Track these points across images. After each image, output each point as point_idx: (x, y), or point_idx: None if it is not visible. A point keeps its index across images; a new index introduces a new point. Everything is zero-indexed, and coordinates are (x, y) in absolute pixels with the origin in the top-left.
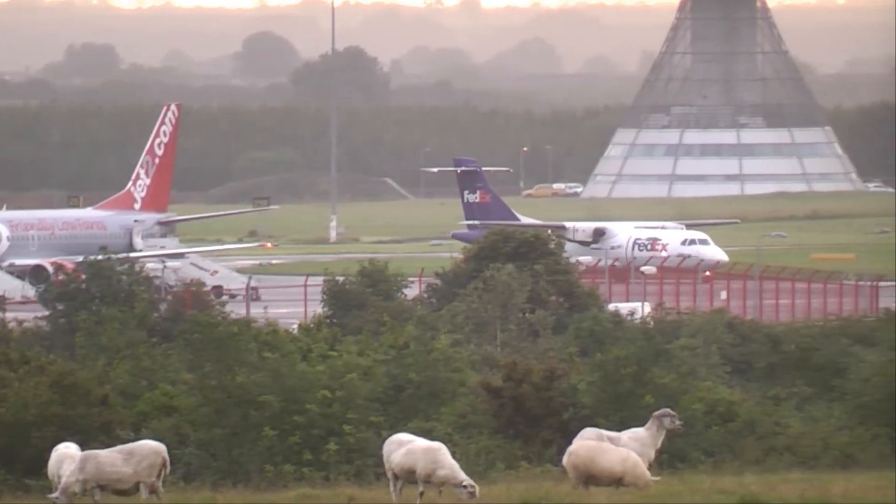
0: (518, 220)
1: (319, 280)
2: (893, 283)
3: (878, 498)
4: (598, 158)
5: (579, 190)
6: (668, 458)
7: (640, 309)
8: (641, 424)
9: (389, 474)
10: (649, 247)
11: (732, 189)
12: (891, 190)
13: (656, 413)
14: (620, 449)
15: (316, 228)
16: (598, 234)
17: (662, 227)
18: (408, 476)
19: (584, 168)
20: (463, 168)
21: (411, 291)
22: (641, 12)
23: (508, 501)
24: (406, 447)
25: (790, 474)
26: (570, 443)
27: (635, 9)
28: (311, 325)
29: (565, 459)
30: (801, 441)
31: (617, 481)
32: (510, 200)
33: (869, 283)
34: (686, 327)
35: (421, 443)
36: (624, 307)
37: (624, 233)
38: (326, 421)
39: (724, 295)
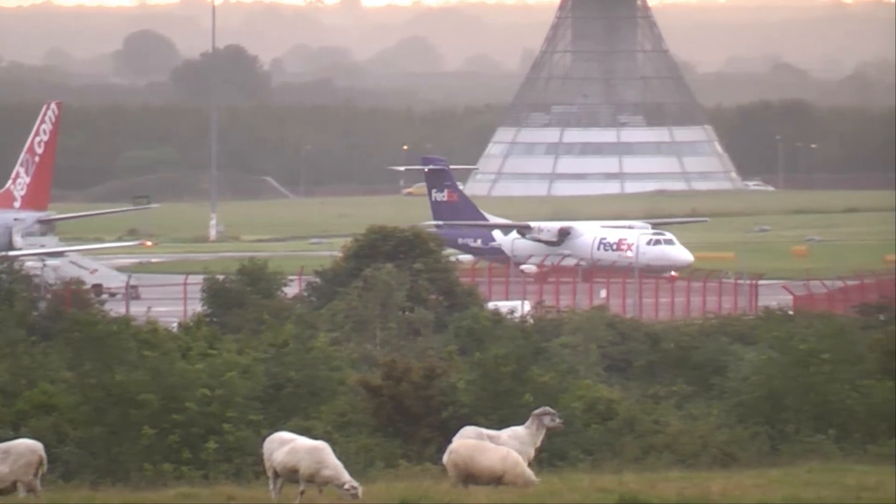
0: (486, 219)
1: (199, 278)
2: (773, 282)
3: (757, 496)
4: (479, 157)
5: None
6: (547, 457)
7: (519, 307)
8: (521, 423)
9: (270, 473)
10: (615, 247)
11: (612, 188)
12: (770, 188)
13: (536, 411)
14: (501, 448)
15: (196, 227)
16: (564, 234)
17: (629, 227)
18: (290, 475)
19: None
20: (431, 167)
21: (291, 290)
22: (522, 11)
23: (388, 500)
24: (289, 446)
25: (669, 473)
26: (449, 441)
27: (516, 7)
28: (191, 324)
29: (446, 458)
30: (680, 439)
31: (497, 480)
32: (389, 199)
33: (748, 282)
34: (566, 325)
35: (304, 442)
36: (503, 305)
37: (590, 233)
38: (206, 419)
39: (603, 293)
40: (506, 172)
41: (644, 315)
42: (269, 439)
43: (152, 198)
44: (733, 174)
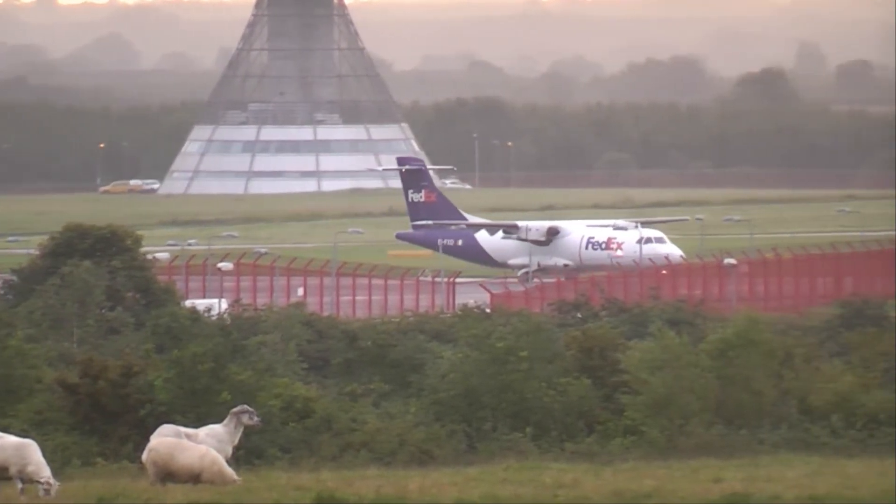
0: (465, 219)
1: None
2: (470, 280)
3: (454, 494)
4: (176, 155)
5: (156, 186)
6: (244, 455)
7: (217, 305)
8: (219, 420)
9: None
10: (604, 246)
11: (309, 185)
12: (467, 186)
13: (234, 409)
14: (200, 446)
15: None
16: (552, 234)
17: (614, 226)
18: (1, 473)
19: (161, 164)
20: (408, 167)
21: None
22: (218, 8)
23: (85, 499)
24: None
25: (367, 471)
26: (147, 439)
27: (212, 5)
28: None
29: (145, 456)
30: (377, 437)
31: (195, 478)
32: (85, 197)
33: (446, 280)
34: (263, 323)
35: (11, 439)
36: (201, 303)
37: (577, 232)
38: None
39: (301, 291)
40: (203, 170)
41: (341, 313)
42: None
43: None
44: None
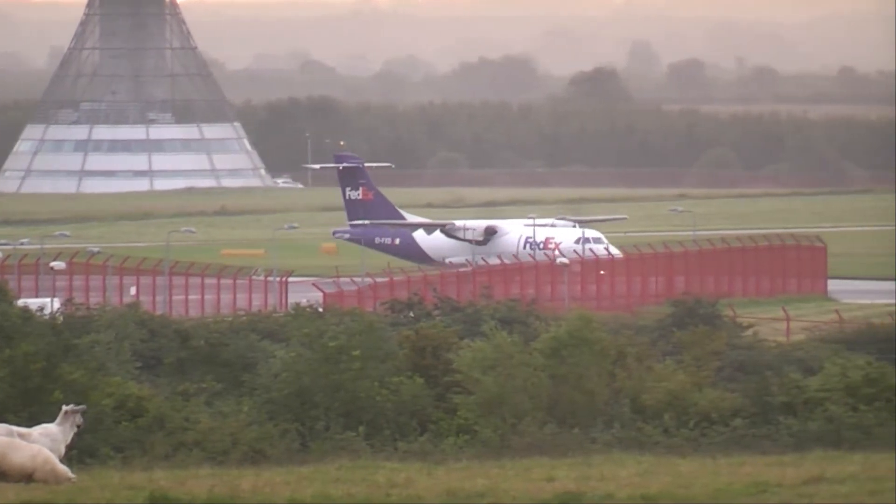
0: (403, 217)
1: None
2: (303, 279)
3: (287, 494)
4: (7, 154)
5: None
6: (77, 454)
7: (49, 304)
8: (52, 420)
9: None
10: (542, 246)
11: (142, 185)
12: (299, 185)
13: (66, 408)
14: (32, 445)
15: None
16: (490, 233)
17: (552, 226)
18: None
19: None
20: (345, 164)
21: None
22: (51, 7)
23: None
24: None
25: (200, 469)
26: None
27: (44, 4)
28: None
29: None
30: (210, 436)
31: (27, 477)
32: None
33: (278, 279)
34: (96, 322)
35: None
36: (33, 302)
37: (515, 231)
38: None
39: (133, 290)
40: (35, 170)
41: (174, 312)
42: None
43: None
44: (262, 171)
